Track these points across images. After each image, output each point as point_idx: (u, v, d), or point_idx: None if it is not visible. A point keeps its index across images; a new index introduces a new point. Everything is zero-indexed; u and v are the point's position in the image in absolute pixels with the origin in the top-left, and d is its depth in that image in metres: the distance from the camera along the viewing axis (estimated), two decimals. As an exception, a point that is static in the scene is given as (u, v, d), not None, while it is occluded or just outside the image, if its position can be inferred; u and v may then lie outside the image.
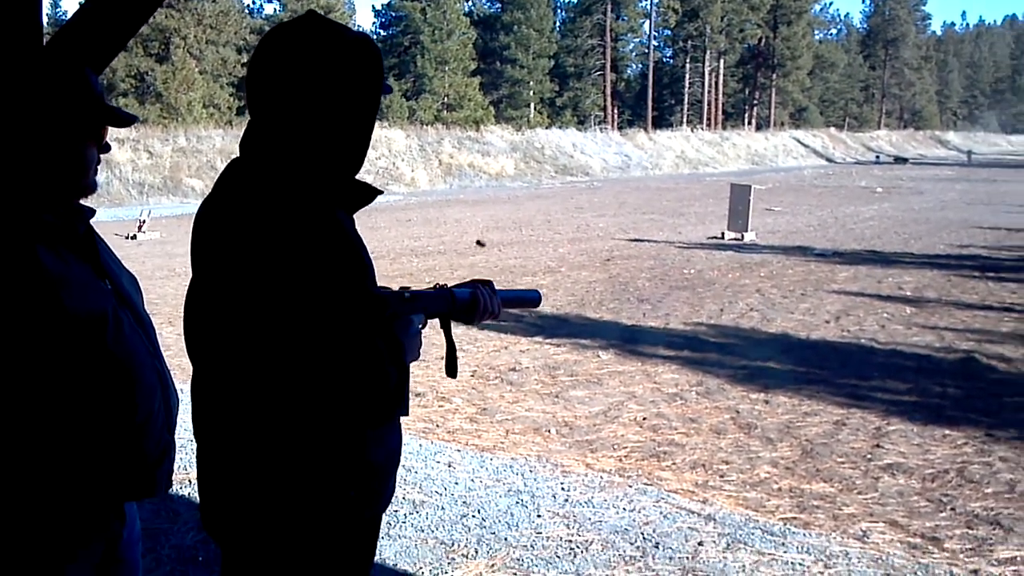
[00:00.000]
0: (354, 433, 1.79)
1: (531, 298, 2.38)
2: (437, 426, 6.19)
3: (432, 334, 2.14)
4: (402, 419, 1.92)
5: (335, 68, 1.76)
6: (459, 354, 2.10)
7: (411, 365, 1.90)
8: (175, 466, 2.12)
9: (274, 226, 1.68)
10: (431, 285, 2.09)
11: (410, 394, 1.94)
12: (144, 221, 19.40)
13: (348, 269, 1.73)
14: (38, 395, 1.77)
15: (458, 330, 2.15)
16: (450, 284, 2.07)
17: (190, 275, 1.83)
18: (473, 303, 2.10)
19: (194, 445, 1.88)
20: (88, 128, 1.89)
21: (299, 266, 1.66)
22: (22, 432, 1.77)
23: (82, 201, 1.95)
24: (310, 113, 1.76)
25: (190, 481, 4.58)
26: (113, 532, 1.98)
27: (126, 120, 1.96)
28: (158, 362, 1.99)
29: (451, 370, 2.12)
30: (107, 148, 1.95)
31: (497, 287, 2.15)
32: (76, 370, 1.79)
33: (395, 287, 2.03)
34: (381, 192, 1.93)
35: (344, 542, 1.86)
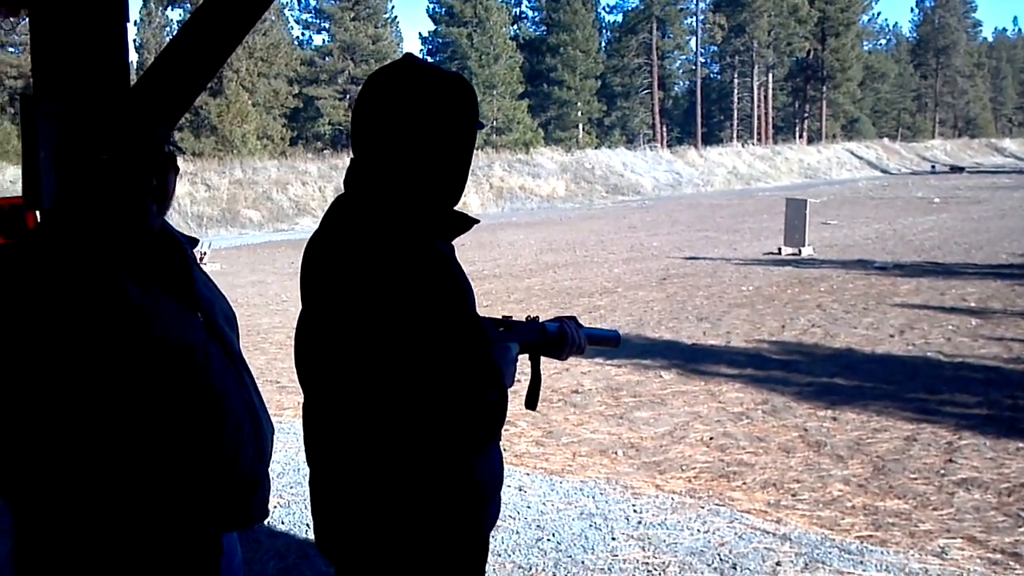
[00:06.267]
0: (459, 454, 1.86)
1: (612, 337, 2.49)
2: (504, 450, 6.18)
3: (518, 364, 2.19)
4: None
5: (433, 106, 1.86)
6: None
7: None
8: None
9: (384, 258, 1.77)
10: (501, 315, 2.16)
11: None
12: (205, 253, 19.75)
13: (453, 295, 1.80)
14: (128, 426, 1.81)
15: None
16: (513, 313, 2.13)
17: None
18: (562, 337, 2.20)
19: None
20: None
21: (409, 295, 1.74)
22: (116, 464, 1.81)
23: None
24: (412, 149, 1.85)
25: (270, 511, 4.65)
26: (212, 564, 2.02)
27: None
28: (247, 393, 2.03)
29: (532, 402, 2.20)
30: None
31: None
32: (165, 401, 1.83)
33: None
34: (478, 221, 2.02)
35: (454, 561, 1.91)
